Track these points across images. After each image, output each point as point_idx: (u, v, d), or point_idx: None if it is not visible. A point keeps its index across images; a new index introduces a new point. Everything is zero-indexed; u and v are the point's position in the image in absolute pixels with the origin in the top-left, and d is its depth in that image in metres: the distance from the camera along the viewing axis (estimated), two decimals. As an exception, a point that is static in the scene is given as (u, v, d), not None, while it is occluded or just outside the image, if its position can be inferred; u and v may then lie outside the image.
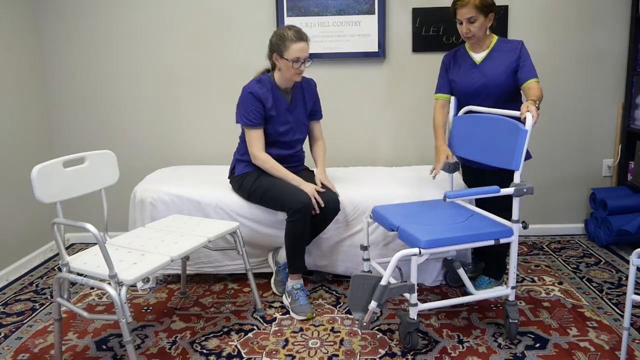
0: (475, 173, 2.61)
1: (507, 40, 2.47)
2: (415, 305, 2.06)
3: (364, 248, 2.47)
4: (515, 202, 2.11)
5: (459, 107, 2.57)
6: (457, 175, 2.88)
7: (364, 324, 2.03)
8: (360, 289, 2.06)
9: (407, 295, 2.07)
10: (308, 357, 2.14)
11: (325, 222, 2.56)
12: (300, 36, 2.42)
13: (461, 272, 2.23)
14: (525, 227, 2.11)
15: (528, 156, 2.50)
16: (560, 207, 3.45)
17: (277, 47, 2.44)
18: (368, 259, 2.48)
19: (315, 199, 2.44)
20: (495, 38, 2.48)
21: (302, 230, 2.45)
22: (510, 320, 2.17)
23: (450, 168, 2.52)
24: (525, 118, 2.09)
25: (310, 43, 2.48)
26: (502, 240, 2.12)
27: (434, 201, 2.53)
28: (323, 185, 2.56)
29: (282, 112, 2.55)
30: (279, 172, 2.53)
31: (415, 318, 2.06)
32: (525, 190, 2.07)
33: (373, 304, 1.99)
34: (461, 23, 2.40)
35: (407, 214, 2.31)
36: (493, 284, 2.62)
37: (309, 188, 2.47)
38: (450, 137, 2.54)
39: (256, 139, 2.52)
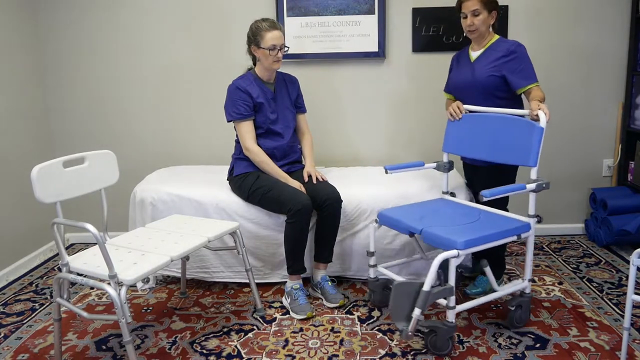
0: (472, 170, 2.65)
1: (505, 40, 2.47)
2: (454, 308, 2.03)
3: (371, 254, 2.44)
4: (532, 198, 2.18)
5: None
6: (456, 175, 2.88)
7: (409, 333, 1.98)
8: (403, 297, 2.00)
9: (441, 300, 2.05)
10: (308, 357, 2.14)
11: (333, 216, 2.54)
12: (274, 25, 2.53)
13: (488, 270, 2.19)
14: (539, 221, 2.20)
15: None
16: (560, 207, 3.45)
17: (253, 39, 2.55)
18: (375, 265, 2.45)
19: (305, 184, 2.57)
20: (495, 37, 2.48)
21: (301, 231, 2.46)
22: (522, 309, 2.27)
23: (445, 167, 2.56)
24: (537, 115, 2.15)
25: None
26: (523, 236, 2.17)
27: (432, 201, 2.54)
28: (314, 178, 2.61)
29: (268, 100, 2.62)
30: (269, 166, 2.58)
31: (454, 321, 2.05)
32: (544, 185, 2.14)
33: (417, 312, 1.95)
34: (465, 17, 2.42)
35: (420, 215, 2.29)
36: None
37: (296, 185, 2.53)
38: (450, 136, 2.54)
39: (247, 131, 2.58)
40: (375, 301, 2.50)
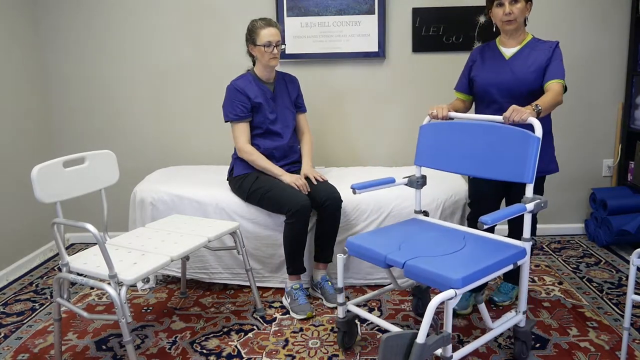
0: (481, 183, 2.36)
1: (542, 40, 2.30)
2: (450, 358, 1.74)
3: (339, 290, 2.11)
4: (528, 219, 1.91)
5: (474, 102, 2.44)
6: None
7: None
8: (393, 353, 1.66)
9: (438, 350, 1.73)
10: (308, 357, 2.14)
11: (334, 216, 2.53)
12: (269, 23, 2.54)
13: (482, 307, 1.88)
14: (534, 245, 1.97)
15: (555, 168, 2.40)
16: (560, 207, 3.45)
17: (250, 37, 2.57)
18: (344, 303, 2.12)
19: (300, 185, 2.49)
20: (530, 36, 2.30)
21: (300, 232, 2.46)
22: (522, 342, 2.02)
23: (418, 183, 2.29)
24: (508, 119, 1.94)
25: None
26: (519, 262, 1.90)
27: (406, 223, 2.26)
28: (313, 180, 2.59)
29: (267, 100, 2.62)
30: (262, 162, 2.58)
31: None
32: (542, 205, 1.90)
33: None
34: (500, 5, 2.21)
35: (397, 243, 1.99)
36: (517, 289, 2.52)
37: (289, 179, 2.52)
38: (424, 147, 2.27)
39: (241, 132, 2.59)
40: (346, 342, 2.16)
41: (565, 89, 2.23)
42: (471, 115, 2.18)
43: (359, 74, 3.30)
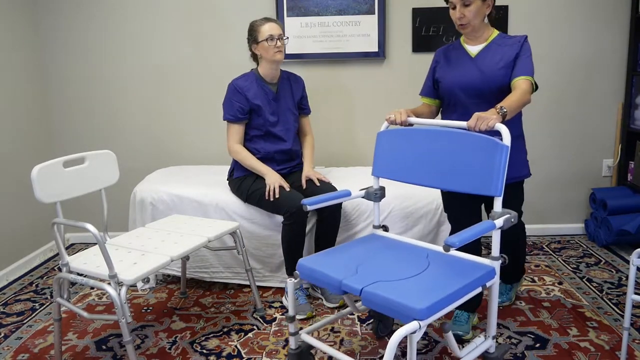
0: (455, 195, 2.20)
1: (509, 35, 2.15)
2: None
3: (290, 319, 1.88)
4: (497, 236, 1.72)
5: (442, 105, 2.29)
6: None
7: None
8: None
9: None
10: (308, 357, 2.14)
11: (334, 216, 2.52)
12: (269, 19, 2.56)
13: (449, 336, 1.65)
14: (503, 264, 1.75)
15: (527, 173, 2.22)
16: (560, 207, 3.45)
17: (251, 37, 2.57)
18: (295, 333, 1.90)
19: (274, 189, 2.45)
20: (495, 32, 2.15)
21: (297, 233, 2.46)
22: None
23: (376, 196, 2.10)
24: (474, 128, 1.76)
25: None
26: (488, 284, 1.72)
27: (364, 240, 2.06)
28: (316, 181, 2.58)
29: (269, 101, 2.60)
30: (250, 162, 2.58)
31: None
32: (512, 220, 1.70)
33: None
34: (454, 7, 2.06)
35: (353, 265, 1.78)
36: (515, 287, 2.50)
37: (271, 179, 2.49)
38: (383, 157, 2.06)
39: (234, 133, 2.60)
40: None
41: (535, 87, 2.07)
42: (433, 120, 1.99)
43: (359, 74, 3.30)
